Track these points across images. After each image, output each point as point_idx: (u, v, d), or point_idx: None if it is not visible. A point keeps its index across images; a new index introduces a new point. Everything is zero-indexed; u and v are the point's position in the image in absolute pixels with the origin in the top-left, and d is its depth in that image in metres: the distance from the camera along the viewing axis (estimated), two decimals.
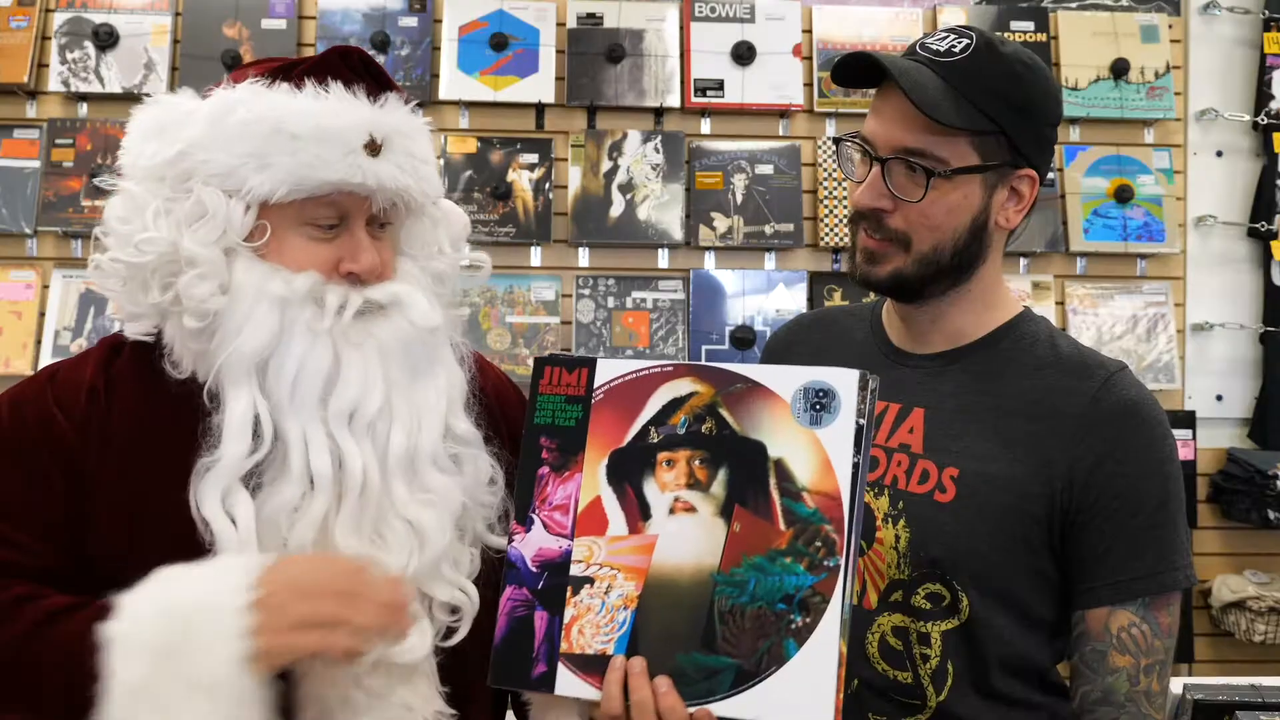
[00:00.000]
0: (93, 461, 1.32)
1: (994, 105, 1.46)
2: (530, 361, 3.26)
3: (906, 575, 1.50)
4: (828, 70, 3.48)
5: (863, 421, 1.27)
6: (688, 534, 1.29)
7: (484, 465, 1.40)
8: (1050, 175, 3.48)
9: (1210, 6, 3.61)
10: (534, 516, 1.35)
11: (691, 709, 1.25)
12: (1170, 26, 3.60)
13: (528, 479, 1.36)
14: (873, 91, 1.52)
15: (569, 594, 1.31)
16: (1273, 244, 3.54)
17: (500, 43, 3.39)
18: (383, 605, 1.23)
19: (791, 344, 1.76)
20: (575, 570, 1.32)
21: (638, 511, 1.31)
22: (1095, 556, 1.46)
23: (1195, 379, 3.54)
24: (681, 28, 3.48)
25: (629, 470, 1.32)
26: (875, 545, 1.52)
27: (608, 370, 1.36)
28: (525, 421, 1.38)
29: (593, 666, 1.28)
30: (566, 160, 3.42)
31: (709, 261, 3.45)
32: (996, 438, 1.50)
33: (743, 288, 3.42)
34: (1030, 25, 3.56)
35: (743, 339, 3.36)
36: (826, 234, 3.42)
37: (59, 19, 3.36)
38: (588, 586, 1.30)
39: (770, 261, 3.45)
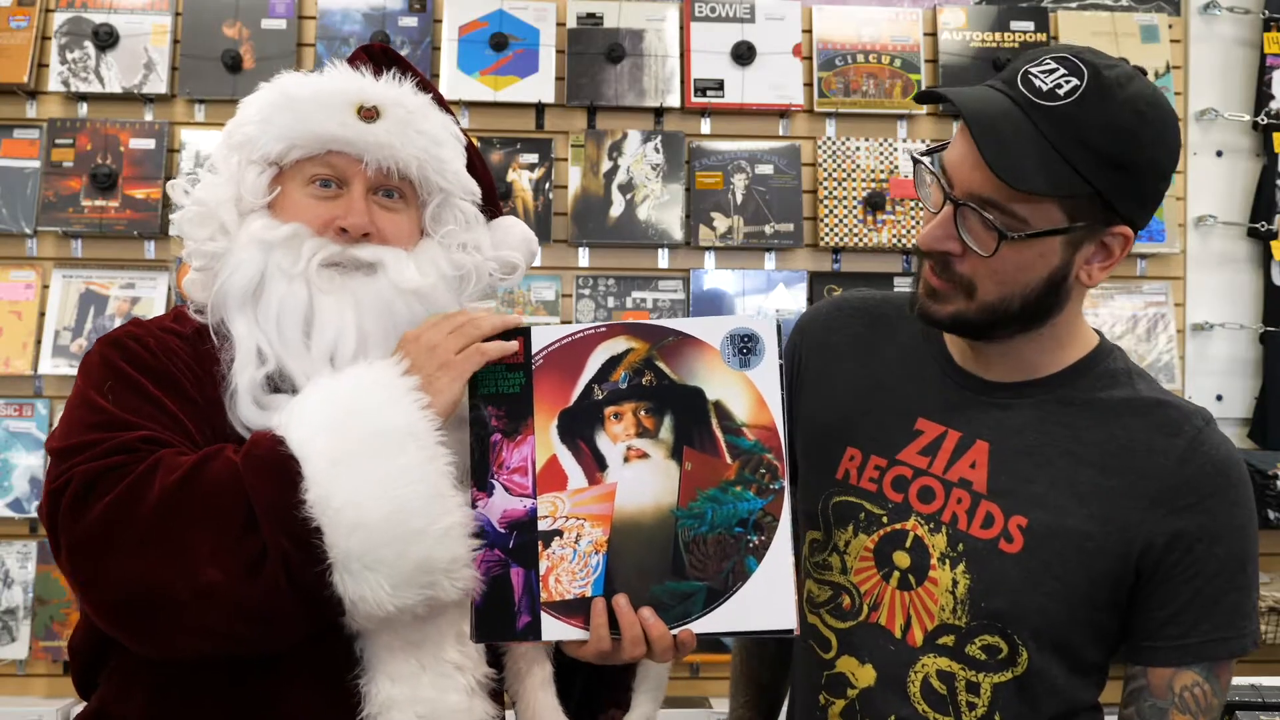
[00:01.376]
0: (199, 388, 1.42)
1: (1093, 165, 1.30)
2: None
3: (963, 623, 1.46)
4: (828, 70, 3.49)
5: (783, 361, 1.41)
6: (644, 478, 1.39)
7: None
8: None
9: (1210, 6, 3.61)
10: (494, 482, 1.41)
11: (674, 631, 1.35)
12: (1170, 26, 3.60)
13: (482, 447, 1.42)
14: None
15: (540, 548, 1.39)
16: (1273, 244, 3.54)
17: (500, 43, 3.39)
18: (488, 319, 1.41)
19: (831, 329, 1.66)
20: (543, 525, 1.40)
21: (594, 464, 1.40)
22: (1167, 617, 1.42)
23: (1195, 379, 3.53)
24: (681, 28, 3.48)
25: (580, 427, 1.41)
26: (928, 584, 1.48)
27: (544, 336, 1.43)
28: (468, 394, 1.43)
29: (574, 610, 1.37)
30: (566, 160, 3.42)
31: (709, 261, 3.45)
32: (1069, 489, 1.43)
33: (743, 288, 3.42)
34: (1030, 25, 3.56)
35: None
36: (826, 234, 3.42)
37: (59, 19, 3.36)
38: (558, 539, 1.39)
39: (770, 261, 3.45)
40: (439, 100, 1.55)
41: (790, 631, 1.36)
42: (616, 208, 3.40)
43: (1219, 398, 3.54)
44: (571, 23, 3.46)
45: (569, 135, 3.43)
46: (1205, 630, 1.41)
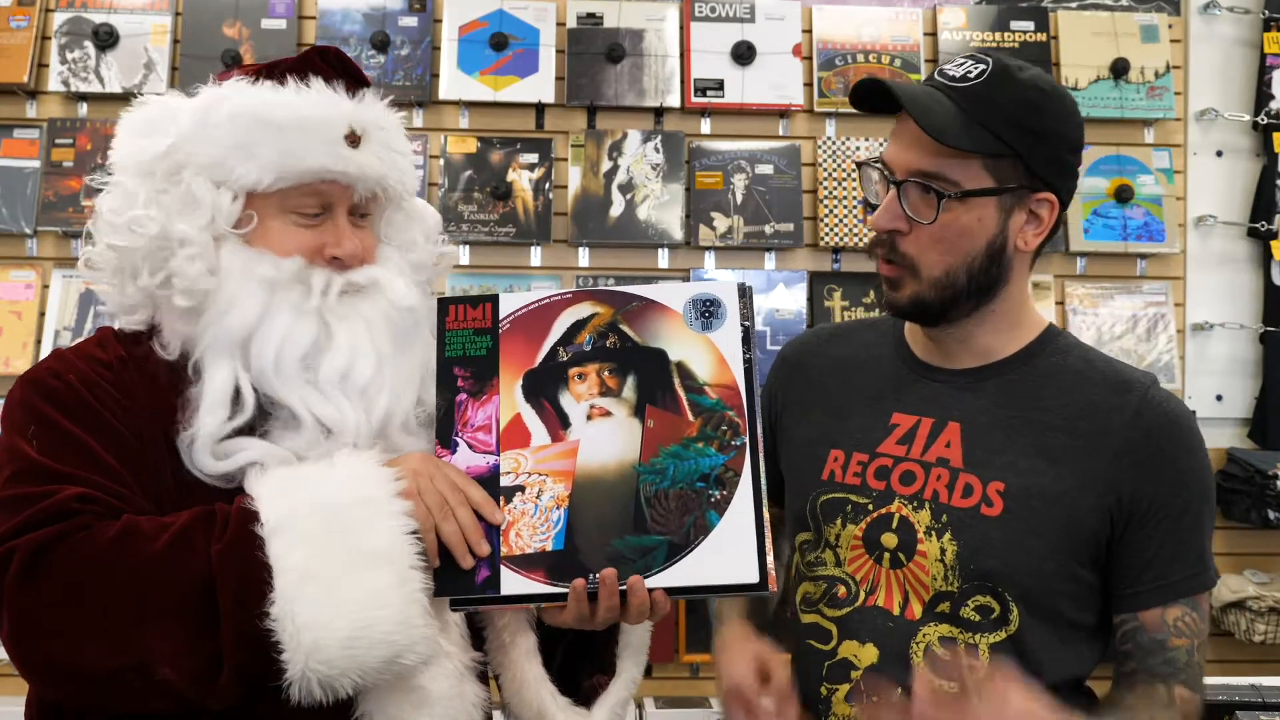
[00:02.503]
0: (127, 421, 1.38)
1: (1008, 129, 1.48)
2: None
3: (955, 587, 1.53)
4: (828, 70, 3.49)
5: (747, 324, 1.45)
6: (607, 435, 1.42)
7: None
8: None
9: (1210, 6, 3.60)
10: (458, 440, 1.43)
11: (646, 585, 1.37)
12: (1170, 26, 3.60)
13: (447, 406, 1.44)
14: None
15: (502, 502, 1.40)
16: (1273, 244, 3.54)
17: (500, 43, 3.39)
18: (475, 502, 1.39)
19: (805, 355, 1.78)
20: (505, 481, 1.41)
21: (557, 422, 1.43)
22: (1143, 562, 1.52)
23: (1195, 379, 3.53)
24: (681, 28, 3.48)
25: (544, 387, 1.44)
26: (917, 558, 1.55)
27: (511, 303, 1.47)
28: (436, 357, 1.47)
29: (535, 564, 1.38)
30: (566, 160, 3.42)
31: (709, 261, 3.44)
32: (1040, 453, 1.53)
33: None
34: (1030, 25, 3.56)
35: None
36: (826, 234, 3.41)
37: (59, 19, 3.36)
38: (519, 494, 1.40)
39: (770, 261, 3.45)
40: (369, 84, 1.53)
41: (755, 586, 1.36)
42: (616, 208, 3.40)
43: (1219, 398, 3.54)
44: (571, 23, 3.46)
45: (569, 135, 3.43)
46: (1180, 569, 1.52)
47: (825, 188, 3.45)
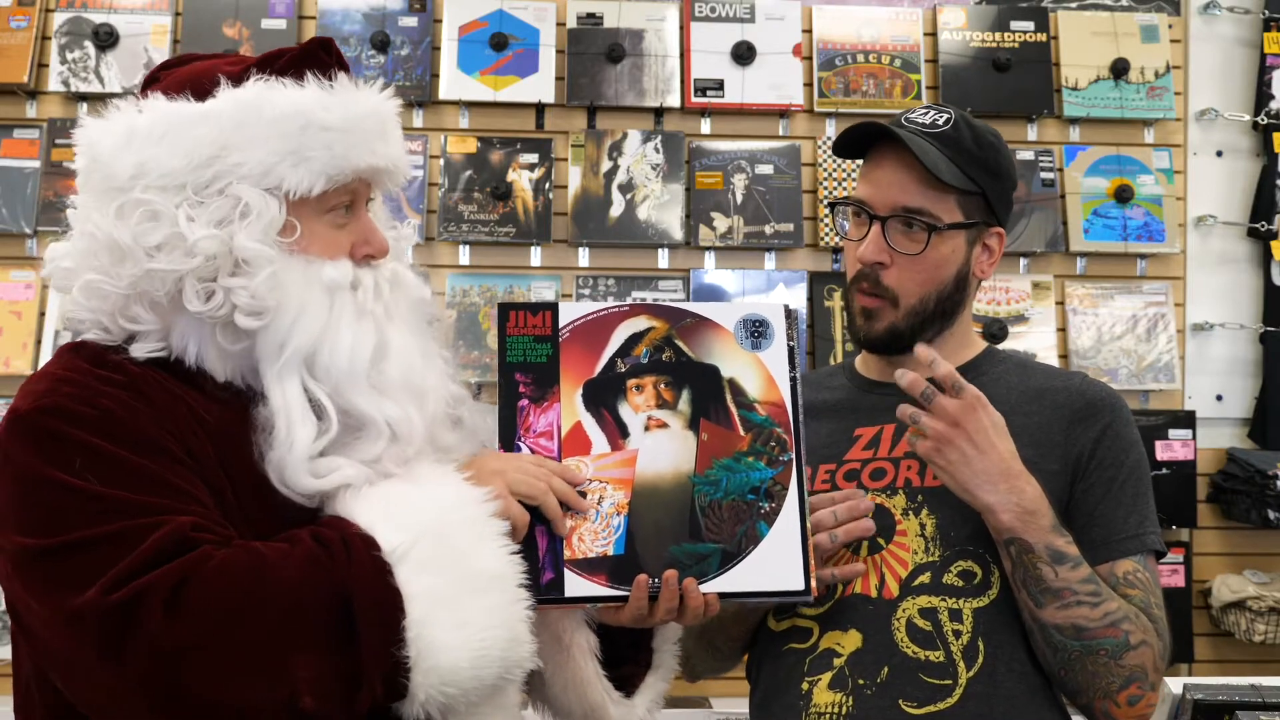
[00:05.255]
0: (176, 441, 1.31)
1: (975, 169, 1.67)
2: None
3: (937, 556, 1.61)
4: (828, 70, 3.49)
5: (793, 344, 1.55)
6: (663, 446, 1.49)
7: (481, 422, 1.52)
8: (1050, 175, 3.48)
9: (1210, 6, 3.60)
10: (520, 444, 1.48)
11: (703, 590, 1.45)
12: (1170, 26, 3.60)
13: (510, 411, 1.49)
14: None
15: (565, 508, 1.45)
16: (1273, 244, 3.54)
17: (500, 43, 3.39)
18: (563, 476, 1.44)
19: None
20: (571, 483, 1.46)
21: (616, 431, 1.49)
22: (1089, 517, 1.63)
23: (1195, 379, 3.53)
24: (681, 28, 3.48)
25: (603, 396, 1.50)
26: (897, 538, 1.62)
27: (570, 312, 1.52)
28: (498, 361, 1.51)
29: (597, 568, 1.44)
30: (566, 160, 3.42)
31: (709, 261, 3.44)
32: None
33: (743, 288, 3.42)
34: (1030, 25, 3.56)
35: None
36: (826, 234, 3.41)
37: (59, 19, 3.36)
38: (581, 500, 1.45)
39: (770, 261, 3.45)
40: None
41: (801, 593, 1.46)
42: (616, 208, 3.40)
43: (1219, 398, 3.54)
44: (571, 23, 3.46)
45: (569, 135, 3.43)
46: (1124, 529, 1.63)
47: (825, 188, 3.45)
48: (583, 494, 1.45)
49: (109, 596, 1.18)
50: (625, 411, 1.49)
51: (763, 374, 1.53)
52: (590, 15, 3.46)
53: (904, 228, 1.66)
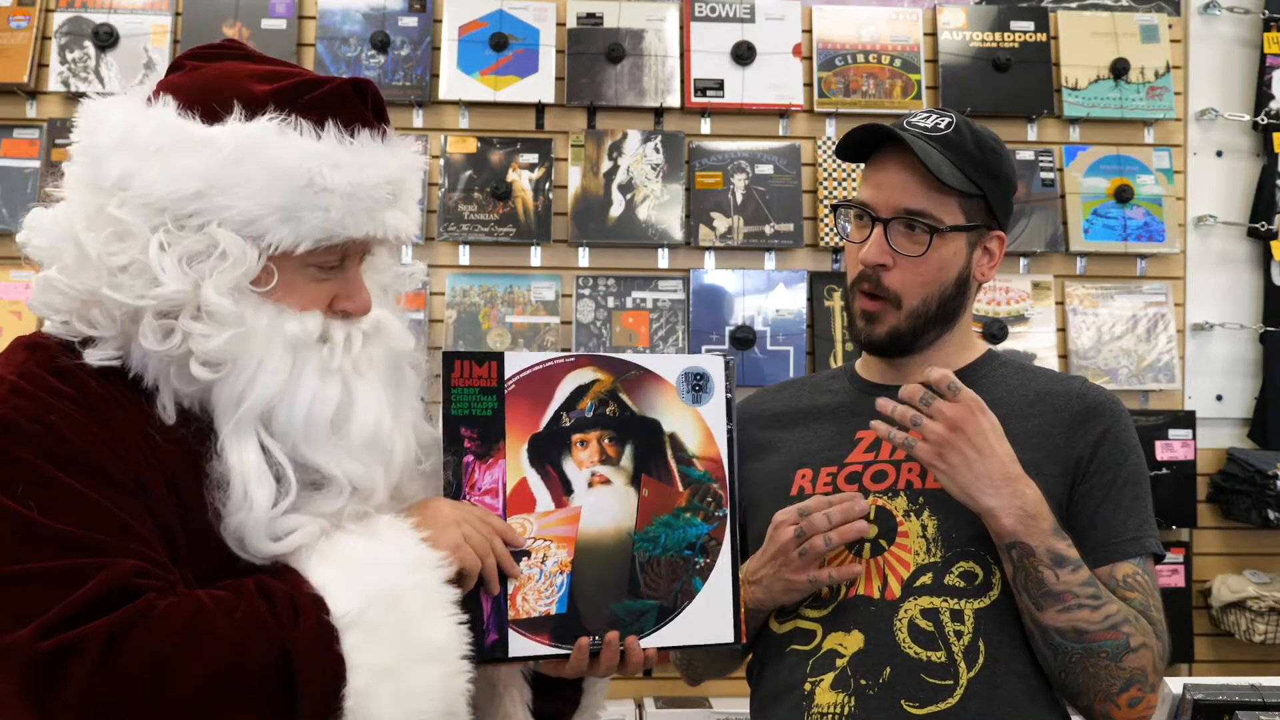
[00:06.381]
0: (124, 465, 1.26)
1: (976, 173, 1.68)
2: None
3: (939, 557, 1.61)
4: (828, 70, 3.49)
5: (730, 396, 1.56)
6: (606, 503, 1.50)
7: (440, 476, 1.48)
8: (1050, 175, 3.48)
9: (1210, 6, 3.60)
10: (466, 501, 1.46)
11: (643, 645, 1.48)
12: (1170, 26, 3.60)
13: (455, 465, 1.47)
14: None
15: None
16: (1273, 244, 3.54)
17: (500, 43, 3.39)
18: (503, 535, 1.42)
19: (755, 406, 1.85)
20: (512, 546, 1.47)
21: (561, 488, 1.49)
22: (1089, 520, 1.64)
23: (1195, 379, 3.53)
24: (681, 28, 3.48)
25: (548, 452, 1.50)
26: (899, 539, 1.63)
27: (516, 362, 1.51)
28: (443, 412, 1.48)
29: (540, 627, 1.45)
30: (566, 160, 3.42)
31: (709, 261, 3.44)
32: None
33: (743, 288, 3.42)
34: (1030, 25, 3.56)
35: (742, 339, 3.36)
36: (826, 234, 3.41)
37: (59, 19, 3.36)
38: (526, 559, 1.46)
39: (770, 261, 3.45)
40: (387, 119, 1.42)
41: (730, 644, 1.52)
42: (616, 208, 3.40)
43: (1219, 398, 3.54)
44: (571, 23, 3.45)
45: (569, 135, 3.43)
46: (1124, 531, 1.64)
47: (825, 188, 3.45)
48: (527, 553, 1.45)
49: (41, 643, 1.14)
50: (570, 467, 1.49)
51: (701, 428, 1.54)
52: (590, 15, 3.46)
53: (906, 230, 1.67)
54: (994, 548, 1.58)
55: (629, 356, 1.54)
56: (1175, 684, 2.63)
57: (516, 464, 1.48)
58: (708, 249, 3.43)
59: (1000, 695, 1.56)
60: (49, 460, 1.21)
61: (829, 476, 1.70)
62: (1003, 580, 1.59)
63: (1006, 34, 3.54)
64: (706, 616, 1.50)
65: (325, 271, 1.34)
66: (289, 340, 1.30)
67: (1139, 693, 1.55)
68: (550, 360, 1.52)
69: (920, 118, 1.72)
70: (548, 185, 3.39)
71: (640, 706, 3.20)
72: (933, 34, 3.55)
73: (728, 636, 1.51)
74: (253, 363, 1.27)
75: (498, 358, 1.50)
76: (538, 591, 1.45)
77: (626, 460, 1.51)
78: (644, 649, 1.47)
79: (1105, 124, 3.54)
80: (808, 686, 1.61)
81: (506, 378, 1.50)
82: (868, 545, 1.63)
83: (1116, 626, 1.54)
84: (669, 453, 1.52)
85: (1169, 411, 3.46)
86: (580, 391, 1.51)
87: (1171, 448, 3.41)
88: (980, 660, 1.57)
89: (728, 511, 1.53)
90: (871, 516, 1.63)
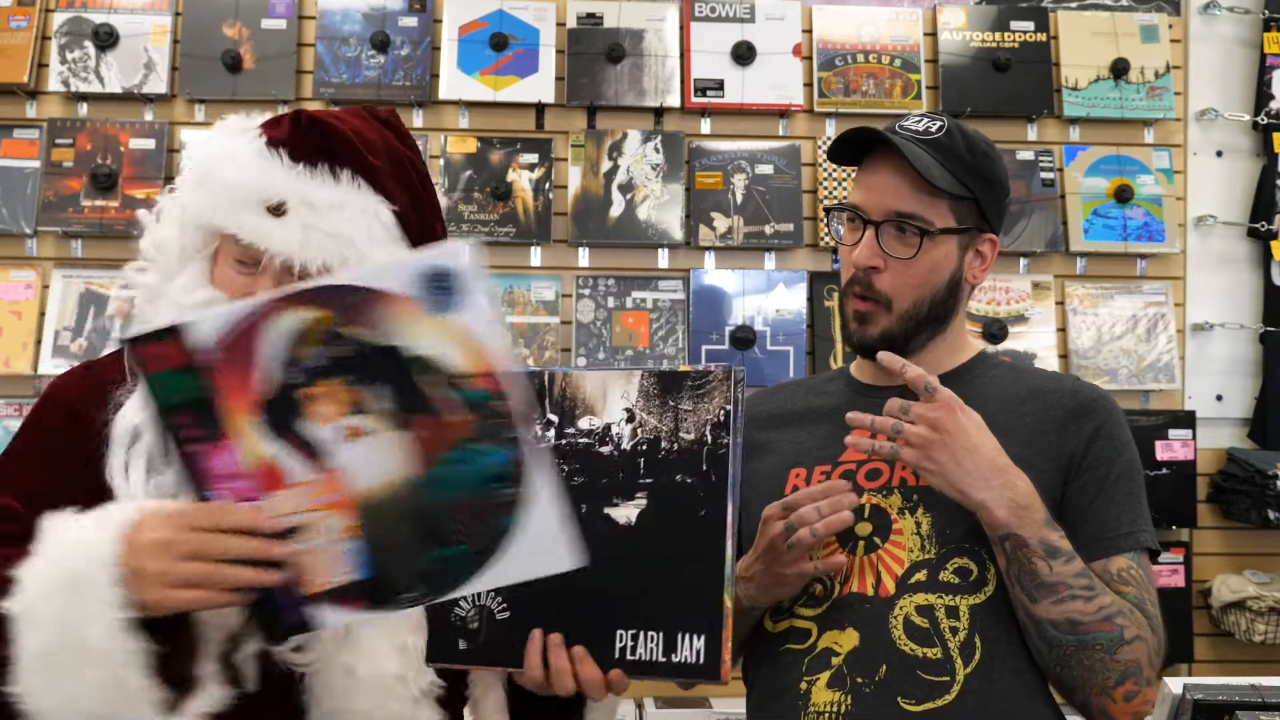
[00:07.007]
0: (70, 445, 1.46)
1: (967, 176, 1.70)
2: (530, 362, 3.27)
3: (933, 554, 1.62)
4: (828, 70, 3.49)
5: (740, 405, 1.38)
6: (371, 455, 1.27)
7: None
8: (1050, 175, 3.49)
9: (1210, 6, 3.61)
10: (209, 495, 1.30)
11: (448, 597, 1.33)
12: (1170, 26, 3.60)
13: (184, 462, 1.30)
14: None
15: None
16: (1273, 244, 3.54)
17: (500, 43, 3.39)
18: (251, 536, 1.26)
19: (753, 405, 1.84)
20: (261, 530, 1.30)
21: (309, 453, 1.28)
22: (1081, 514, 1.65)
23: (1195, 379, 3.53)
24: (681, 28, 3.48)
25: (281, 418, 1.28)
26: (893, 537, 1.63)
27: (203, 328, 1.27)
28: (147, 409, 1.35)
29: (350, 595, 1.29)
30: (566, 160, 3.42)
31: (709, 261, 3.45)
32: (995, 432, 1.60)
33: (743, 288, 3.42)
34: (1030, 25, 3.56)
35: (743, 339, 3.36)
36: (826, 234, 3.41)
37: (59, 19, 3.36)
38: (296, 534, 1.28)
39: (770, 261, 3.45)
40: (379, 168, 1.49)
41: (570, 569, 1.29)
42: (616, 208, 3.40)
43: (1219, 398, 3.54)
44: (571, 23, 3.46)
45: (569, 135, 3.43)
46: (1117, 526, 1.64)
47: (825, 188, 3.45)
48: (294, 530, 1.28)
49: None
50: (311, 428, 1.27)
51: (462, 340, 1.24)
52: (590, 15, 3.46)
53: (897, 232, 1.68)
54: (989, 544, 1.59)
55: (342, 277, 1.29)
56: (1175, 684, 2.63)
57: (250, 441, 1.28)
58: (708, 249, 3.43)
59: (997, 691, 1.56)
60: (32, 419, 1.52)
61: (823, 475, 1.70)
62: (998, 576, 1.59)
63: (1006, 34, 3.54)
64: (535, 548, 1.27)
65: (245, 268, 1.47)
66: (171, 303, 1.46)
67: (1135, 686, 1.56)
68: (246, 312, 1.27)
69: (913, 121, 1.74)
70: (548, 185, 3.39)
71: (640, 706, 3.20)
72: (933, 34, 3.55)
73: (566, 563, 1.27)
74: (153, 313, 1.47)
75: (175, 330, 1.27)
76: (326, 564, 1.29)
77: (380, 402, 1.27)
78: (474, 603, 1.41)
79: (1105, 124, 3.54)
80: (804, 685, 1.61)
81: (199, 349, 1.26)
82: (862, 543, 1.63)
83: (1110, 618, 1.55)
84: (429, 379, 1.25)
85: (1169, 411, 3.46)
86: (299, 339, 1.27)
87: (1171, 448, 3.41)
88: (976, 656, 1.57)
89: (521, 433, 1.27)
90: (866, 514, 1.63)
